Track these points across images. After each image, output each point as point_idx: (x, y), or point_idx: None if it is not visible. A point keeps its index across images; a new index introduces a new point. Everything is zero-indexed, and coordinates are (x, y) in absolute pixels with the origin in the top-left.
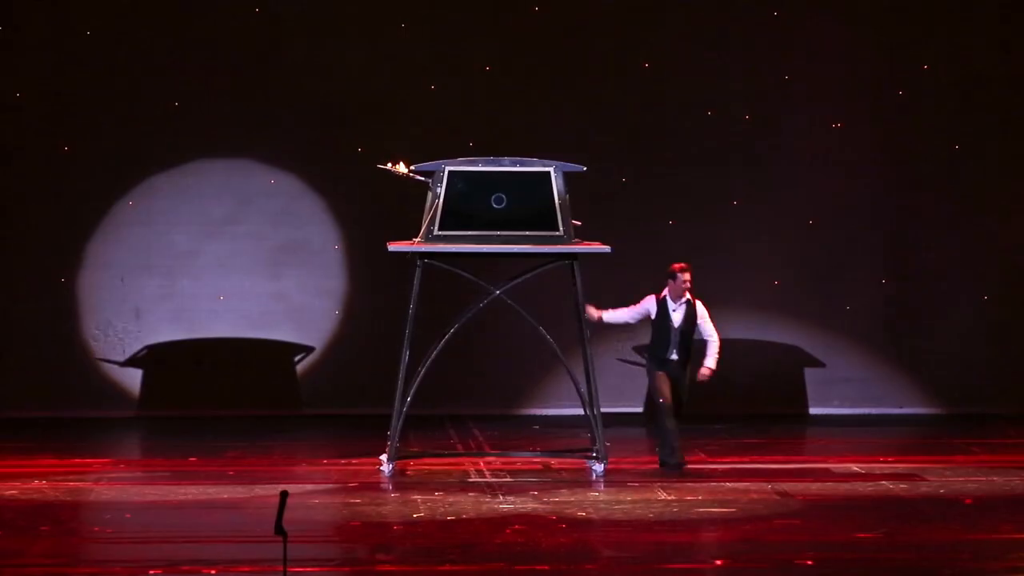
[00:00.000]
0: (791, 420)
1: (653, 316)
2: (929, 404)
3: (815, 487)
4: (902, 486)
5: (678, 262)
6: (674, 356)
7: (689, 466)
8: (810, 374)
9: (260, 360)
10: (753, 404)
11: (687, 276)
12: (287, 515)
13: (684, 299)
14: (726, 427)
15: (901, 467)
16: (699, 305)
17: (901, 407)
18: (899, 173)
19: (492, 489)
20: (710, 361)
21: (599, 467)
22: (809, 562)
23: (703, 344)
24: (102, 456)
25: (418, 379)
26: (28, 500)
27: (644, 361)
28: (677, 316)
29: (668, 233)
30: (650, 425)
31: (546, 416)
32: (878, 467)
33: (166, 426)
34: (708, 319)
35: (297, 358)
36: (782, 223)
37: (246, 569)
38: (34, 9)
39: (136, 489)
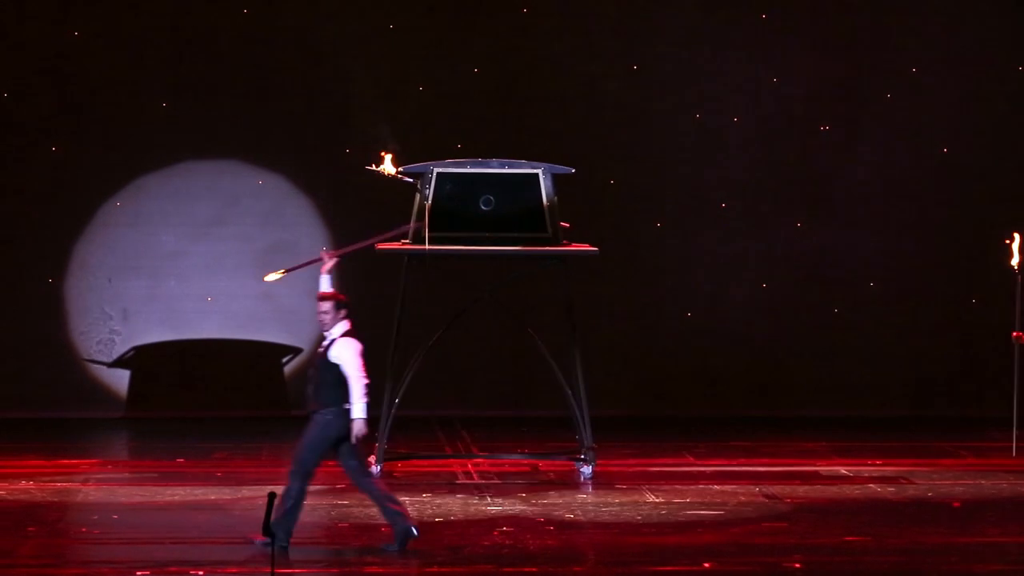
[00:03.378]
0: (779, 423)
1: None
2: (917, 407)
3: (803, 490)
4: (890, 489)
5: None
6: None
7: (677, 468)
8: (799, 376)
9: (248, 361)
10: (740, 406)
11: (319, 306)
12: (275, 516)
13: (329, 336)
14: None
15: (889, 470)
16: (339, 344)
17: (889, 410)
18: (888, 175)
19: (480, 491)
20: (354, 410)
21: (587, 469)
22: (797, 565)
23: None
24: (89, 457)
25: (406, 381)
26: (15, 501)
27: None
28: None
29: (655, 235)
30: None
31: (534, 418)
32: (866, 470)
33: (153, 427)
34: (348, 361)
35: (285, 359)
36: (770, 225)
37: (234, 570)
38: (22, 10)
39: (124, 490)
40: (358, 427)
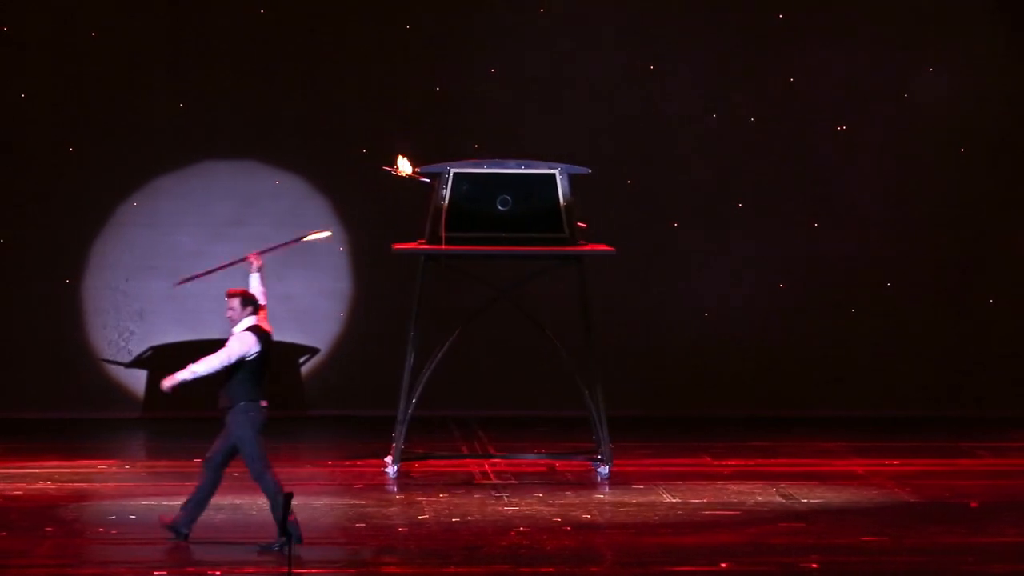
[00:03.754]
0: (796, 423)
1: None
2: (934, 407)
3: (820, 490)
4: (907, 489)
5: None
6: None
7: (694, 468)
8: (815, 376)
9: None
10: (758, 406)
11: (228, 303)
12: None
13: (233, 332)
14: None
15: (906, 470)
16: (234, 336)
17: (906, 410)
18: (905, 175)
19: (497, 491)
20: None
21: (604, 469)
22: (814, 565)
23: None
24: (107, 457)
25: (423, 381)
26: (33, 501)
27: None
28: None
29: (672, 235)
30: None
31: (551, 418)
32: (883, 470)
33: (171, 427)
34: (229, 345)
35: (302, 359)
36: (786, 225)
37: (251, 570)
38: (39, 10)
39: (141, 490)
40: (168, 379)
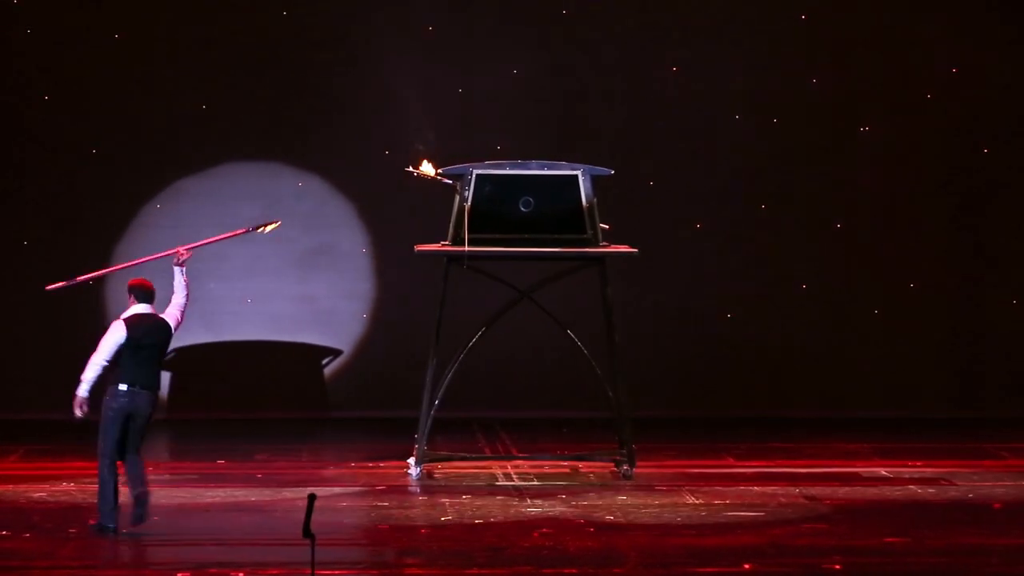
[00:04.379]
0: (819, 424)
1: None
2: (958, 408)
3: (843, 491)
4: (930, 490)
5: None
6: None
7: (717, 470)
8: (839, 378)
9: (288, 363)
10: (781, 407)
11: None
12: (315, 518)
13: None
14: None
15: (930, 471)
16: None
17: (930, 411)
18: (929, 175)
19: (520, 492)
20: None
21: (627, 470)
22: (837, 566)
23: None
24: None
25: (446, 382)
26: (56, 502)
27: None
28: None
29: (695, 236)
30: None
31: (574, 419)
32: (906, 471)
33: (194, 429)
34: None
35: (325, 361)
36: (809, 226)
37: (274, 572)
38: (63, 10)
39: (164, 492)
40: (76, 406)
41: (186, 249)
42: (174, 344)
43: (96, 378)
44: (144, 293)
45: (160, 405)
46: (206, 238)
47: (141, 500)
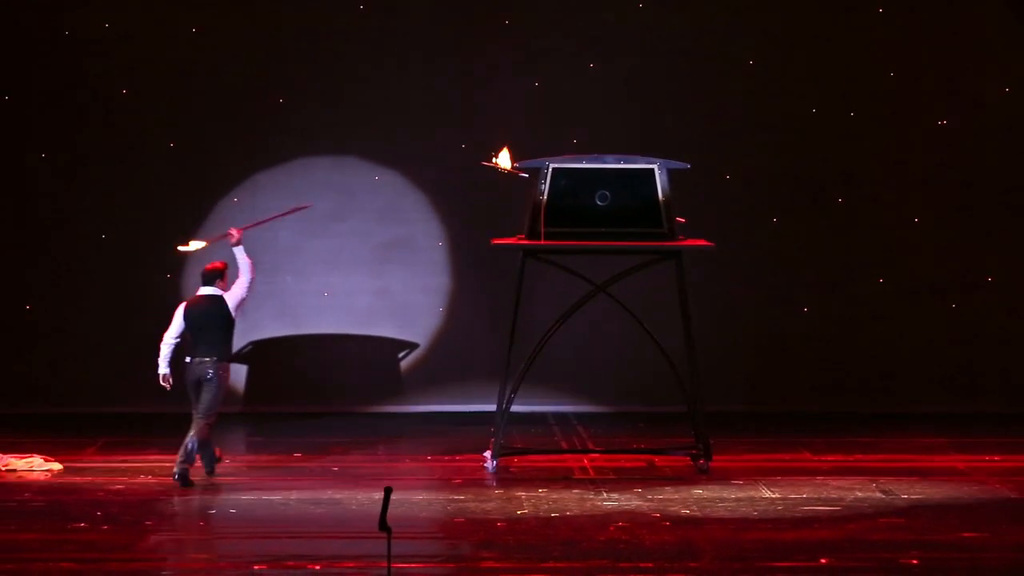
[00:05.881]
0: (897, 418)
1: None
2: None
3: (921, 486)
4: (1009, 485)
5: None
6: None
7: (794, 463)
8: (918, 371)
9: (364, 357)
10: (858, 402)
11: None
12: (391, 511)
13: None
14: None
15: (1008, 466)
16: None
17: (1008, 406)
18: (1004, 170)
19: (596, 486)
20: None
21: (703, 464)
22: (914, 561)
23: None
24: None
25: (522, 376)
26: (135, 495)
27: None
28: None
29: (772, 229)
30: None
31: (650, 413)
32: (985, 466)
33: (270, 422)
34: None
35: (401, 355)
36: (886, 219)
37: (350, 565)
38: (140, 6)
39: (241, 484)
40: (160, 379)
41: (237, 230)
42: (252, 336)
43: (169, 353)
44: (204, 276)
45: (236, 397)
46: (254, 220)
47: (192, 455)
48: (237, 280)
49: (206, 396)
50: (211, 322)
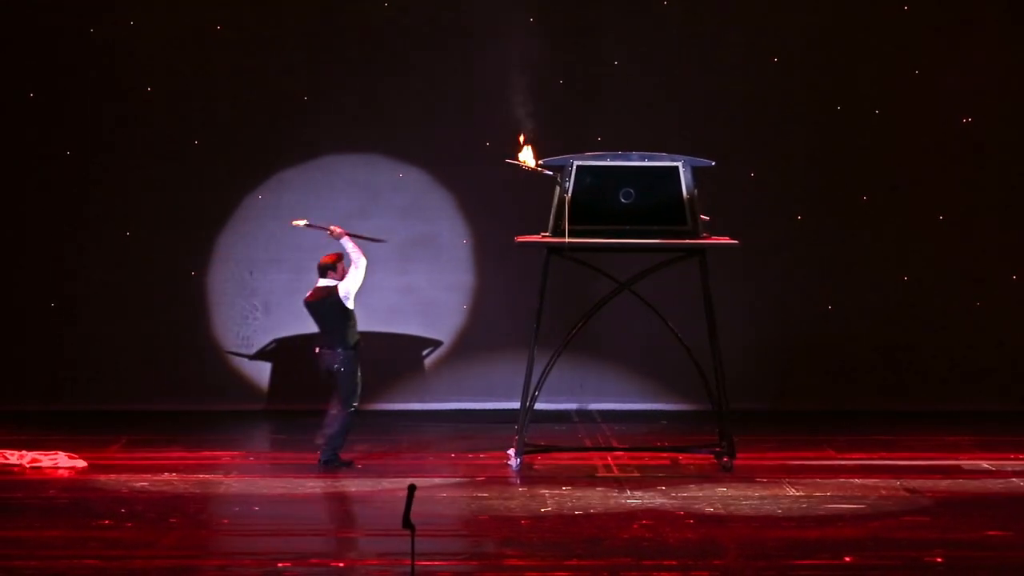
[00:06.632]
0: (920, 417)
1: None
2: None
3: (945, 484)
4: None
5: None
6: None
7: (817, 462)
8: (940, 370)
9: (388, 354)
10: (882, 400)
11: None
12: (415, 508)
13: None
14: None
15: None
16: None
17: None
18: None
19: (619, 484)
20: None
21: (727, 462)
22: (939, 559)
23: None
24: (231, 449)
25: (547, 373)
26: (158, 492)
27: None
28: None
29: (796, 228)
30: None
31: (674, 412)
32: (1009, 464)
33: (294, 419)
34: None
35: (425, 352)
36: (910, 218)
37: (374, 562)
38: (166, 7)
39: (264, 482)
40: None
41: (339, 228)
42: (276, 334)
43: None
44: (318, 269)
45: (260, 395)
46: (319, 226)
47: (321, 445)
48: (349, 270)
49: (340, 385)
50: (327, 312)
